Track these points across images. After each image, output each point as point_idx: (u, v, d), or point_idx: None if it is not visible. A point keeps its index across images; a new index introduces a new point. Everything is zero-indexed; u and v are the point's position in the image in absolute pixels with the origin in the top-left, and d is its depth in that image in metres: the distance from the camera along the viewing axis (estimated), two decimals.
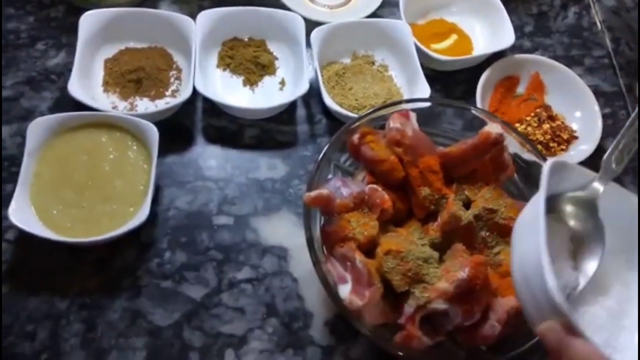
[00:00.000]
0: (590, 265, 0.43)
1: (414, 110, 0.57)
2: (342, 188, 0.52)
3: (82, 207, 0.56)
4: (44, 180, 0.57)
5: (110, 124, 0.60)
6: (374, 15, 0.75)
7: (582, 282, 0.43)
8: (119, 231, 0.54)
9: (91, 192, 0.57)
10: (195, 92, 0.63)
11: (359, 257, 0.48)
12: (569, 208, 0.44)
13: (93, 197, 0.57)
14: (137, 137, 0.60)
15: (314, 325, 0.56)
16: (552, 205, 0.44)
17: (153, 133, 0.58)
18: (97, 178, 0.58)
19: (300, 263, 0.59)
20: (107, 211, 0.56)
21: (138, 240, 0.58)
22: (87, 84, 0.65)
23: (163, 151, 0.64)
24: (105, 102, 0.65)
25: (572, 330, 0.34)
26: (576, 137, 0.70)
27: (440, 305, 0.46)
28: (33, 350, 0.52)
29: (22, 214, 0.54)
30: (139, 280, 0.57)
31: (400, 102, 0.59)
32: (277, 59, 0.72)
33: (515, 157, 0.58)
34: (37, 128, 0.58)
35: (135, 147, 0.60)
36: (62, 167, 0.58)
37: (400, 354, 0.47)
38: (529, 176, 0.58)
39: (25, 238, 0.56)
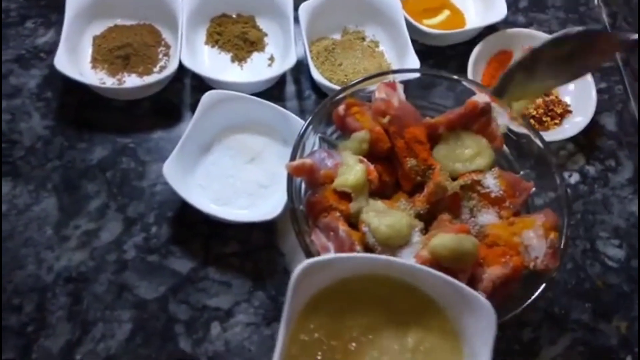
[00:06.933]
0: None
1: (402, 82, 0.56)
2: (327, 159, 0.52)
3: None
4: None
5: None
6: None
7: None
8: None
9: None
10: (183, 68, 0.62)
11: (342, 226, 0.48)
12: None
13: None
14: None
15: None
16: None
17: None
18: None
19: (289, 237, 0.58)
20: None
21: (125, 215, 0.58)
22: (75, 60, 0.64)
23: (150, 127, 0.64)
24: (94, 78, 0.65)
25: None
26: (570, 111, 0.69)
27: None
28: (20, 322, 0.52)
29: None
30: (125, 254, 0.57)
31: (386, 73, 0.58)
32: (266, 35, 0.71)
33: (505, 128, 0.57)
34: None
35: None
36: None
37: None
38: (519, 148, 0.57)
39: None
